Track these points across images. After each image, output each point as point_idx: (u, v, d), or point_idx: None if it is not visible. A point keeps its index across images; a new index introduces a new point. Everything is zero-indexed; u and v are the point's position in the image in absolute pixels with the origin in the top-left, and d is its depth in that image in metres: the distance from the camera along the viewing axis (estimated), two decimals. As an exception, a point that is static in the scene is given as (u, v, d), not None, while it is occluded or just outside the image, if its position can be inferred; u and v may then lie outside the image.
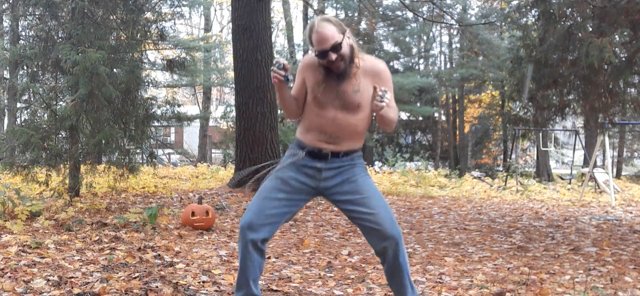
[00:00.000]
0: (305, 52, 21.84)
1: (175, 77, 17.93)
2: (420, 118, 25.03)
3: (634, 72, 6.26)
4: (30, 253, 3.95)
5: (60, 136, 6.87)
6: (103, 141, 6.41)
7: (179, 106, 8.74)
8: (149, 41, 8.10)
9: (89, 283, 3.22)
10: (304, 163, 2.61)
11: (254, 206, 2.59)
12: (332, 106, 2.55)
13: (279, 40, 27.71)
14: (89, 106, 6.54)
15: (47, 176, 6.78)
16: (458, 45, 24.55)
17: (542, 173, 18.28)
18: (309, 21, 2.42)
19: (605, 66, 5.94)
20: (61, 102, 7.05)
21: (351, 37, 2.53)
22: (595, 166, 10.83)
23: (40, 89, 6.96)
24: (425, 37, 25.03)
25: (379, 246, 2.56)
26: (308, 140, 2.62)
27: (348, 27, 2.57)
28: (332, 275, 3.81)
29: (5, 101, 10.32)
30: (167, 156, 22.50)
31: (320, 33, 2.45)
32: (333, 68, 2.50)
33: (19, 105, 8.12)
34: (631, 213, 7.99)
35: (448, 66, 25.27)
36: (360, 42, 23.73)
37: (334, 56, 2.46)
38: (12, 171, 6.74)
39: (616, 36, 5.87)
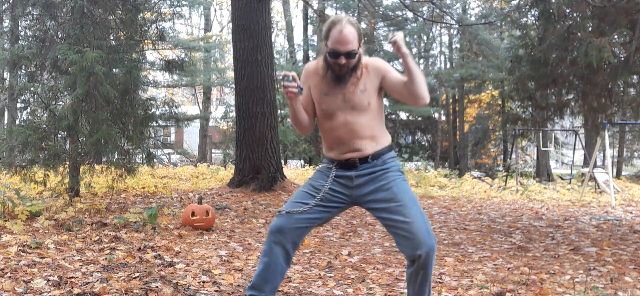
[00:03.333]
0: (306, 51, 21.84)
1: (175, 77, 17.93)
2: (420, 118, 25.03)
3: (632, 72, 6.26)
4: (30, 253, 3.95)
5: (59, 136, 6.87)
6: (101, 141, 6.40)
7: (177, 107, 8.74)
8: (148, 41, 8.10)
9: (89, 283, 3.22)
10: (336, 173, 2.61)
11: (285, 210, 2.59)
12: (341, 111, 2.56)
13: (279, 40, 27.72)
14: (87, 106, 6.54)
15: (45, 176, 6.78)
16: (458, 45, 24.55)
17: (542, 173, 18.28)
18: (329, 17, 2.39)
19: (605, 66, 5.94)
20: (60, 102, 7.05)
21: (362, 49, 2.56)
22: (595, 166, 10.82)
23: (39, 89, 6.96)
24: (425, 37, 25.03)
25: (411, 254, 2.49)
26: (333, 156, 2.63)
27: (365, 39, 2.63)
28: (332, 275, 3.81)
29: (6, 101, 10.31)
30: (167, 156, 22.49)
31: (344, 34, 2.45)
32: (335, 69, 2.51)
33: (18, 105, 8.13)
34: (631, 213, 7.99)
35: (448, 66, 25.27)
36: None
37: (344, 61, 2.48)
38: (11, 171, 6.74)
39: (615, 36, 5.87)
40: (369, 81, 2.56)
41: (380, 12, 22.31)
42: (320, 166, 2.73)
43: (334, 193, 2.60)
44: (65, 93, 6.97)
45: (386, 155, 2.61)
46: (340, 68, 2.51)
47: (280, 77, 2.49)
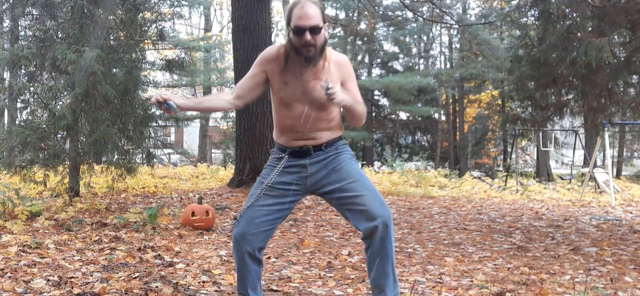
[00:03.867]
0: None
1: (175, 77, 17.94)
2: (420, 118, 25.04)
3: (632, 72, 6.26)
4: (30, 253, 3.95)
5: (59, 136, 6.87)
6: (100, 141, 6.41)
7: (177, 107, 8.73)
8: (148, 41, 8.11)
9: (89, 283, 3.22)
10: (288, 164, 2.56)
11: (245, 215, 2.55)
12: (299, 103, 2.51)
13: (278, 40, 27.72)
14: (86, 106, 6.55)
15: (45, 176, 6.78)
16: (458, 45, 24.55)
17: (542, 173, 18.28)
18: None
19: (605, 66, 5.94)
20: (60, 102, 7.06)
21: (327, 32, 2.52)
22: (595, 166, 10.82)
23: (39, 89, 6.97)
24: (425, 37, 25.03)
25: (366, 227, 2.46)
26: (285, 142, 2.59)
27: (329, 22, 2.61)
28: (332, 275, 3.81)
29: (6, 101, 10.32)
30: (167, 156, 22.49)
31: (305, 10, 2.41)
32: (303, 51, 2.44)
33: (18, 105, 8.13)
34: (631, 213, 7.99)
35: (448, 66, 25.27)
36: (360, 42, 23.73)
37: (309, 37, 2.41)
38: (11, 171, 6.74)
39: (615, 36, 5.87)
40: (331, 76, 2.51)
41: (380, 12, 22.30)
42: (271, 156, 2.66)
43: (286, 185, 2.56)
44: (65, 93, 6.97)
45: (338, 142, 2.62)
46: (307, 48, 2.43)
47: (153, 101, 2.49)
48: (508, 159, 17.56)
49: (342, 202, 2.53)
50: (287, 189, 2.56)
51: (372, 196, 2.49)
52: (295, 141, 2.56)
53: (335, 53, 2.60)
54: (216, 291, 3.25)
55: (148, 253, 4.17)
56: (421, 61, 26.15)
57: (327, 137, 2.58)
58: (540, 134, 15.09)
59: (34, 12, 7.17)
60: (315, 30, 2.42)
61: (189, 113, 21.79)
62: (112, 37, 7.43)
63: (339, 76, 2.54)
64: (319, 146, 2.56)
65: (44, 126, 6.75)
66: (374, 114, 23.76)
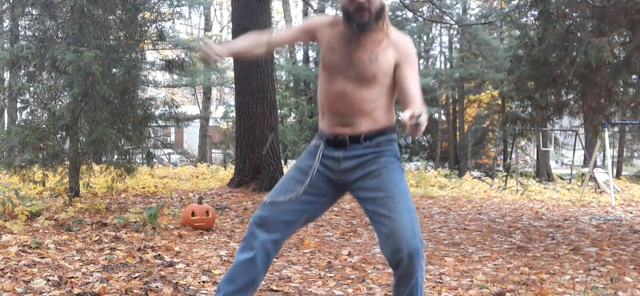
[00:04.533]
0: (306, 51, 21.84)
1: (175, 77, 17.94)
2: (420, 118, 25.01)
3: (631, 72, 6.26)
4: (30, 253, 3.95)
5: (58, 136, 6.87)
6: (99, 141, 6.41)
7: (177, 107, 8.75)
8: (148, 41, 8.11)
9: (89, 283, 3.22)
10: (324, 153, 2.25)
11: (269, 199, 2.24)
12: (342, 76, 2.18)
13: (278, 40, 27.69)
14: (86, 106, 6.55)
15: (44, 176, 6.78)
16: (458, 45, 24.55)
17: (542, 173, 18.28)
18: None
19: (604, 66, 5.94)
20: (60, 102, 7.06)
21: None
22: (595, 166, 10.82)
23: (38, 89, 6.97)
24: (425, 37, 25.03)
25: (392, 258, 2.12)
26: (325, 126, 2.27)
27: None
28: (332, 275, 3.81)
29: (6, 101, 10.33)
30: (167, 156, 22.49)
31: None
32: (356, 15, 2.13)
33: (18, 105, 8.13)
34: (631, 213, 7.99)
35: (448, 66, 25.27)
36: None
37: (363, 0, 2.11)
38: (10, 171, 6.75)
39: (615, 36, 5.88)
40: (384, 53, 2.17)
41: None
42: (310, 144, 2.36)
43: (322, 177, 2.25)
44: (64, 93, 6.97)
45: (382, 136, 2.22)
46: (361, 12, 2.12)
47: (200, 43, 2.22)
48: (508, 159, 17.55)
49: (371, 216, 2.20)
50: (320, 180, 2.24)
51: (404, 221, 2.11)
52: (333, 126, 2.23)
53: (397, 32, 2.26)
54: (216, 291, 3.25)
55: (148, 253, 4.17)
56: (421, 61, 26.14)
57: (368, 127, 2.20)
58: (540, 134, 15.09)
59: (34, 12, 7.17)
60: None
61: (189, 113, 21.81)
62: (112, 37, 7.43)
63: (394, 56, 2.18)
64: (356, 137, 2.20)
65: (44, 126, 6.76)
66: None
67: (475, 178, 15.68)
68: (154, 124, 8.61)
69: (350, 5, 2.14)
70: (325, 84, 2.24)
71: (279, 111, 14.74)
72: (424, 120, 1.91)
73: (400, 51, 2.20)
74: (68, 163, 6.86)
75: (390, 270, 3.97)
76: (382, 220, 2.14)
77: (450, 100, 25.59)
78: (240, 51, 2.35)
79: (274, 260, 4.19)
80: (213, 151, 22.34)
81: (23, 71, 7.11)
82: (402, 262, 2.09)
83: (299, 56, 22.48)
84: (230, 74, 20.19)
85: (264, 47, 2.32)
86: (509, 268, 4.08)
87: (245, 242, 2.24)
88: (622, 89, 6.85)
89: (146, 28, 7.69)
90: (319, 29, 2.28)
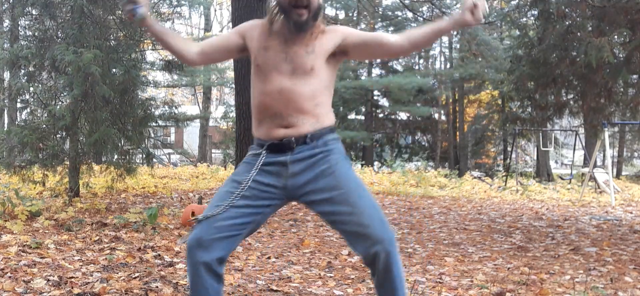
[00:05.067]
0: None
1: (175, 77, 17.94)
2: (420, 118, 25.05)
3: (631, 72, 6.27)
4: (30, 253, 3.95)
5: (58, 136, 6.88)
6: (100, 141, 6.41)
7: (177, 107, 8.76)
8: (148, 41, 8.12)
9: (89, 283, 3.22)
10: (266, 161, 2.09)
11: (203, 216, 2.06)
12: (278, 73, 2.07)
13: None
14: (86, 106, 6.55)
15: (44, 176, 6.78)
16: (458, 45, 24.56)
17: (542, 173, 18.28)
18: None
19: (604, 66, 5.94)
20: (60, 102, 7.06)
21: None
22: (595, 166, 10.83)
23: (38, 89, 6.98)
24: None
25: (367, 253, 2.00)
26: (263, 133, 2.12)
27: None
28: (332, 275, 3.81)
29: (6, 101, 10.33)
30: (167, 156, 22.50)
31: None
32: (293, 15, 2.06)
33: (18, 105, 8.14)
34: (631, 213, 8.00)
35: (447, 66, 25.28)
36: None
37: None
38: (10, 171, 6.75)
39: (615, 36, 5.88)
40: (319, 43, 2.10)
41: (380, 12, 22.31)
42: (246, 156, 2.19)
43: (263, 187, 2.08)
44: (64, 93, 6.98)
45: (328, 136, 2.12)
46: (298, 10, 2.05)
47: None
48: (508, 159, 17.55)
49: (332, 218, 2.06)
50: (262, 190, 2.08)
51: (371, 214, 2.01)
52: (274, 130, 2.09)
53: (333, 26, 2.21)
54: (216, 291, 3.25)
55: (148, 253, 4.17)
56: (421, 61, 26.14)
57: (312, 125, 2.08)
58: (540, 134, 15.09)
59: (34, 12, 7.18)
60: None
61: (189, 113, 21.80)
62: (112, 38, 7.43)
63: (333, 40, 2.13)
64: (302, 137, 2.07)
65: (44, 126, 6.76)
66: (373, 114, 23.75)
67: (475, 178, 15.68)
68: (154, 124, 8.63)
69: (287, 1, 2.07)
70: (260, 86, 2.11)
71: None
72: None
73: (337, 32, 2.15)
74: (68, 163, 6.86)
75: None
76: (345, 218, 2.03)
77: (450, 100, 25.60)
78: (167, 33, 2.23)
79: (274, 259, 4.20)
80: (213, 151, 22.35)
81: (23, 71, 7.12)
82: (378, 255, 1.99)
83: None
84: (230, 74, 20.22)
85: (194, 49, 2.19)
86: (509, 268, 4.08)
87: (189, 267, 2.05)
88: (622, 89, 6.85)
89: (146, 28, 7.69)
90: (249, 31, 2.19)
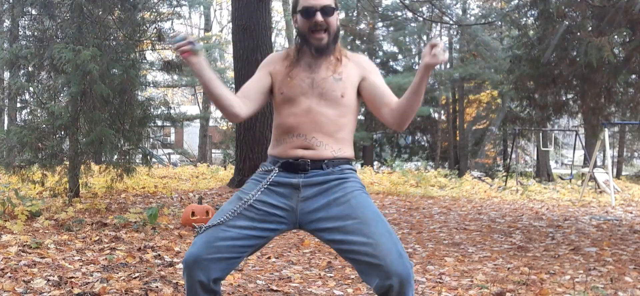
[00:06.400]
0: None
1: (175, 77, 17.96)
2: (420, 118, 25.06)
3: (631, 72, 6.26)
4: (30, 253, 3.95)
5: (57, 136, 6.88)
6: (97, 141, 6.41)
7: (172, 108, 8.77)
8: (147, 41, 8.11)
9: (89, 283, 3.22)
10: (276, 180, 2.01)
11: (205, 235, 1.96)
12: (305, 96, 2.03)
13: (279, 40, 27.73)
14: (85, 106, 6.55)
15: (43, 176, 6.78)
16: (457, 46, 24.57)
17: (542, 173, 18.28)
18: None
19: (604, 65, 5.94)
20: (60, 102, 7.06)
21: (338, 20, 2.13)
22: (595, 166, 10.83)
23: (37, 88, 6.98)
24: (424, 37, 25.03)
25: (381, 286, 1.88)
26: (280, 152, 2.05)
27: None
28: (332, 275, 3.81)
29: (5, 101, 10.34)
30: (167, 156, 22.50)
31: None
32: (313, 40, 2.04)
33: (18, 105, 8.14)
34: (631, 213, 8.00)
35: (447, 66, 25.28)
36: (359, 42, 23.75)
37: (320, 18, 2.01)
38: (9, 171, 6.75)
39: (615, 36, 5.88)
40: (347, 72, 2.08)
41: (380, 12, 22.31)
42: (255, 173, 2.12)
43: (270, 208, 1.99)
44: (63, 92, 6.98)
45: (344, 165, 2.05)
46: (318, 34, 2.03)
47: (170, 38, 1.99)
48: (508, 159, 17.55)
49: (343, 247, 1.94)
50: (269, 212, 1.99)
51: (388, 246, 1.88)
52: (292, 150, 2.02)
53: (352, 53, 2.19)
54: (216, 291, 3.25)
55: (148, 253, 4.17)
56: (421, 60, 26.12)
57: (332, 151, 2.02)
58: (540, 134, 15.09)
59: (33, 12, 7.18)
60: (327, 10, 2.03)
61: (189, 113, 21.81)
62: (111, 37, 7.43)
63: (357, 72, 2.10)
64: (319, 161, 2.00)
65: (44, 126, 6.76)
66: (373, 113, 23.77)
67: (475, 178, 15.68)
68: (152, 125, 8.63)
69: (306, 25, 2.04)
70: (287, 108, 2.05)
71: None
72: (441, 45, 1.88)
73: (361, 65, 2.13)
74: (67, 162, 6.86)
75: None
76: (358, 249, 1.90)
77: (450, 100, 25.61)
78: (216, 80, 2.03)
79: (274, 259, 4.20)
80: (213, 151, 22.36)
81: (22, 71, 7.12)
82: (392, 289, 1.87)
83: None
84: (230, 74, 20.23)
85: (239, 102, 2.06)
86: (509, 268, 4.08)
87: (186, 284, 1.97)
88: (622, 89, 6.85)
89: (145, 28, 7.70)
90: (272, 65, 2.13)
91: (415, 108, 2.02)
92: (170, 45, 1.92)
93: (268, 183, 2.01)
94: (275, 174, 2.02)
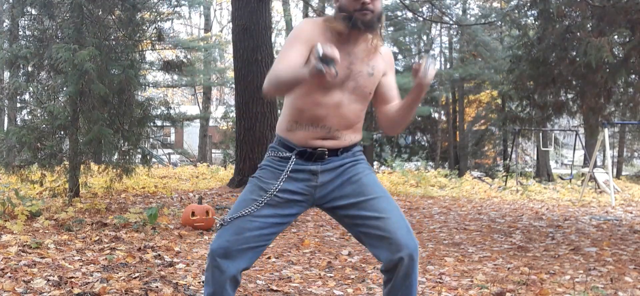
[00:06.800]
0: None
1: (175, 77, 17.97)
2: (420, 118, 25.06)
3: (630, 72, 6.26)
4: (30, 253, 3.95)
5: (56, 136, 6.88)
6: (95, 141, 6.41)
7: (172, 108, 8.77)
8: (147, 41, 8.12)
9: (89, 283, 3.22)
10: (295, 168, 2.05)
11: (232, 227, 2.01)
12: (340, 90, 2.02)
13: (279, 40, 27.73)
14: (83, 106, 6.55)
15: (42, 176, 6.79)
16: (457, 46, 24.57)
17: (542, 173, 18.28)
18: None
19: (604, 65, 5.94)
20: (59, 101, 7.06)
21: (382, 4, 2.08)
22: (595, 166, 10.83)
23: (37, 88, 6.97)
24: (424, 37, 25.04)
25: (391, 259, 1.98)
26: (298, 139, 2.06)
27: None
28: (332, 275, 3.81)
29: (5, 101, 10.34)
30: (167, 156, 22.50)
31: None
32: (360, 14, 1.97)
33: (18, 105, 8.14)
34: (631, 213, 8.00)
35: (447, 66, 25.28)
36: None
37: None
38: (8, 171, 6.75)
39: (615, 36, 5.88)
40: (378, 67, 2.09)
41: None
42: (268, 153, 2.12)
43: (290, 195, 2.05)
44: (62, 92, 6.98)
45: (355, 148, 2.14)
46: (364, 12, 1.96)
47: (319, 53, 1.73)
48: (508, 160, 17.55)
49: (356, 222, 2.05)
50: (290, 199, 2.05)
51: (397, 220, 2.00)
52: (314, 140, 2.04)
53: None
54: (216, 291, 3.25)
55: (148, 253, 4.17)
56: (421, 60, 26.12)
57: (350, 140, 2.10)
58: (540, 134, 15.09)
59: (33, 12, 7.18)
60: None
61: (189, 113, 21.81)
62: (111, 37, 7.43)
63: (384, 68, 2.11)
64: (335, 150, 2.07)
65: (43, 126, 6.76)
66: (373, 113, 23.77)
67: (475, 178, 15.68)
68: (152, 125, 8.63)
69: (353, 4, 1.97)
70: (316, 96, 2.00)
71: (279, 110, 14.74)
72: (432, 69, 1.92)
73: (388, 62, 2.14)
74: (67, 162, 6.86)
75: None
76: (371, 223, 2.01)
77: (450, 100, 25.61)
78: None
79: (274, 259, 4.20)
80: (213, 151, 22.35)
81: (22, 71, 7.12)
82: (402, 262, 1.96)
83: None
84: (230, 74, 20.22)
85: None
86: (509, 268, 4.08)
87: (212, 277, 2.01)
88: (621, 89, 6.85)
89: (145, 28, 7.70)
90: (311, 36, 2.00)
91: (407, 121, 2.09)
92: (316, 57, 1.71)
93: (289, 171, 2.05)
94: (293, 163, 2.05)
